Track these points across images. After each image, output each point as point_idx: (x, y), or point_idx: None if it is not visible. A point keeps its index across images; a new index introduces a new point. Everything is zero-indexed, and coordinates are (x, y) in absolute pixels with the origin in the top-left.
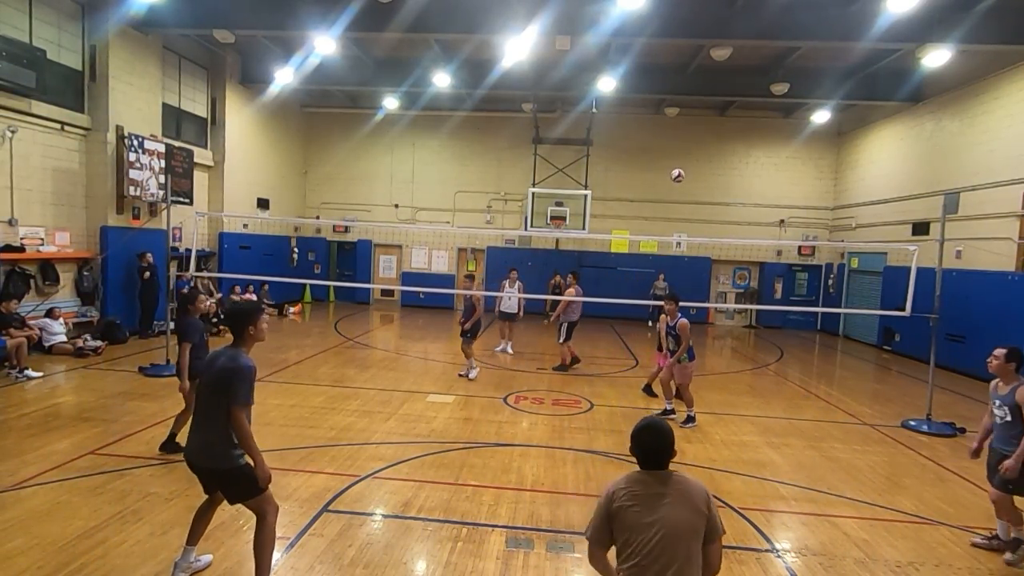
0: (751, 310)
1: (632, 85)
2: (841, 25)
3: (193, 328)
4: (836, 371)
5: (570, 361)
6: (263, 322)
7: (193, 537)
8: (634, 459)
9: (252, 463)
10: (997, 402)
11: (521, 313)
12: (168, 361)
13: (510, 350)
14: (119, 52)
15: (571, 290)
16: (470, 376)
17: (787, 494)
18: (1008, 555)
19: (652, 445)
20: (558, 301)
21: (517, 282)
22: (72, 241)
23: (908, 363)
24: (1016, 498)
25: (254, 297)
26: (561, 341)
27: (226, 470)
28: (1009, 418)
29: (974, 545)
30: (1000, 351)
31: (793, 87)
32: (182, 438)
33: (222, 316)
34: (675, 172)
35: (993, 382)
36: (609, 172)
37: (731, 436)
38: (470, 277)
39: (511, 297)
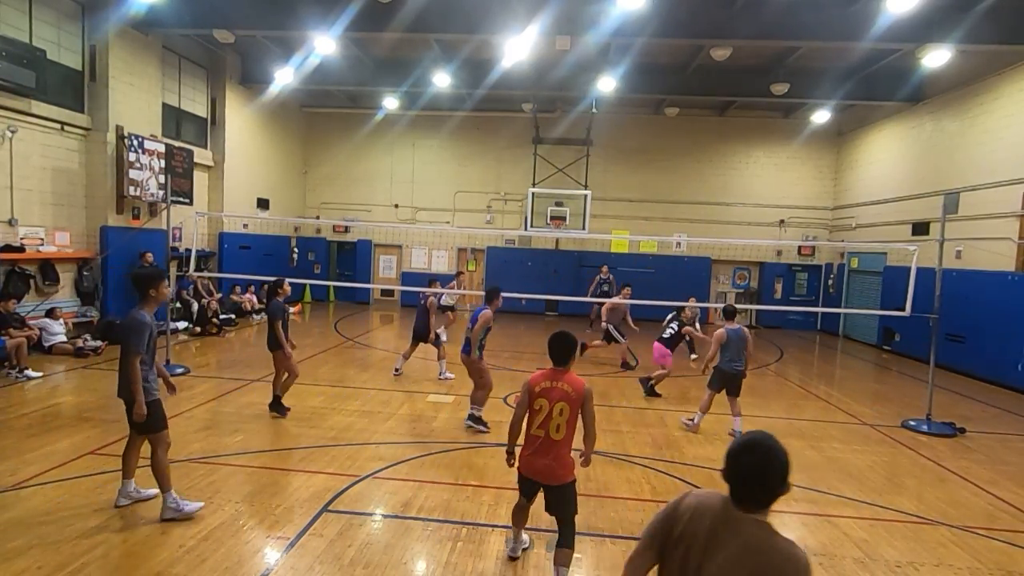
0: (751, 310)
1: (632, 85)
2: (841, 25)
3: (278, 308)
4: (836, 371)
5: (631, 362)
6: (164, 286)
7: (127, 469)
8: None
9: (157, 402)
10: None
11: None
12: (168, 361)
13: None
14: (119, 52)
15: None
16: (444, 377)
17: (787, 494)
18: None
19: (747, 473)
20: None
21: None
22: (72, 241)
23: (908, 363)
24: None
25: (254, 297)
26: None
27: (129, 404)
28: None
29: None
30: None
31: (793, 87)
32: (288, 400)
33: (220, 317)
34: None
35: None
36: (609, 172)
37: (731, 436)
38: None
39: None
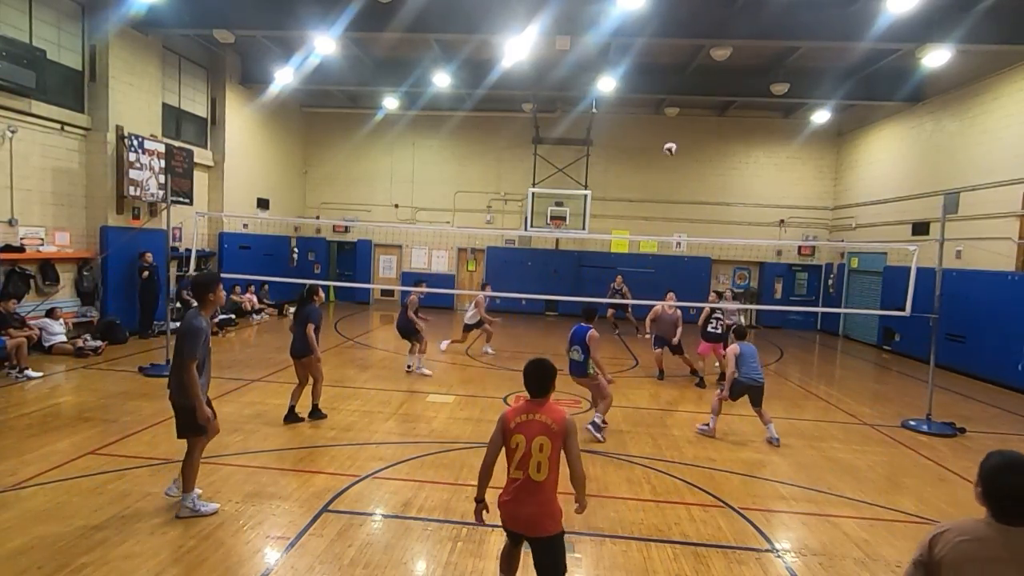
0: (751, 310)
1: (632, 85)
2: (841, 25)
3: (316, 313)
4: (836, 371)
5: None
6: (221, 290)
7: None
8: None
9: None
10: None
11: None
12: (168, 361)
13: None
14: (119, 52)
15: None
16: (420, 371)
17: (787, 494)
18: None
19: (1020, 493)
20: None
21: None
22: (72, 241)
23: (908, 363)
24: None
25: (255, 298)
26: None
27: (176, 407)
28: None
29: None
30: None
31: (793, 87)
32: (302, 409)
33: (220, 317)
34: (668, 146)
35: None
36: (609, 172)
37: (731, 436)
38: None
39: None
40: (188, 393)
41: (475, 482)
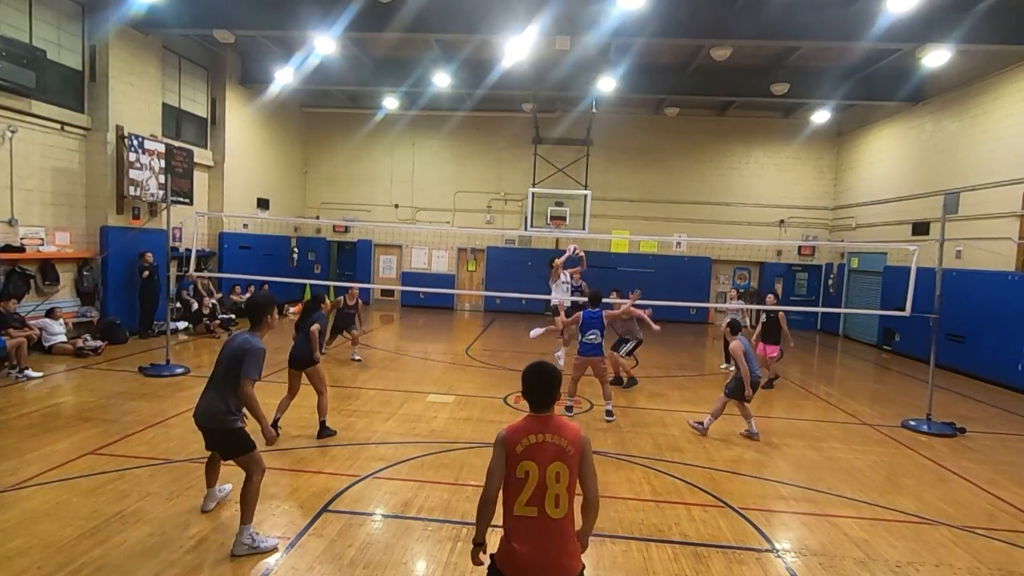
0: (751, 310)
1: (632, 85)
2: (841, 25)
3: (323, 320)
4: (836, 371)
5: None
6: (276, 312)
7: (210, 480)
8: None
9: (244, 428)
10: None
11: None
12: (168, 361)
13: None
14: (119, 52)
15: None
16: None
17: (787, 494)
18: None
19: None
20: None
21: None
22: (72, 241)
23: (908, 363)
24: None
25: None
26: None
27: (223, 431)
28: None
29: None
30: None
31: (793, 87)
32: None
33: (220, 317)
34: (571, 248)
35: None
36: (609, 172)
37: (731, 436)
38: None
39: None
40: (253, 414)
41: (476, 482)
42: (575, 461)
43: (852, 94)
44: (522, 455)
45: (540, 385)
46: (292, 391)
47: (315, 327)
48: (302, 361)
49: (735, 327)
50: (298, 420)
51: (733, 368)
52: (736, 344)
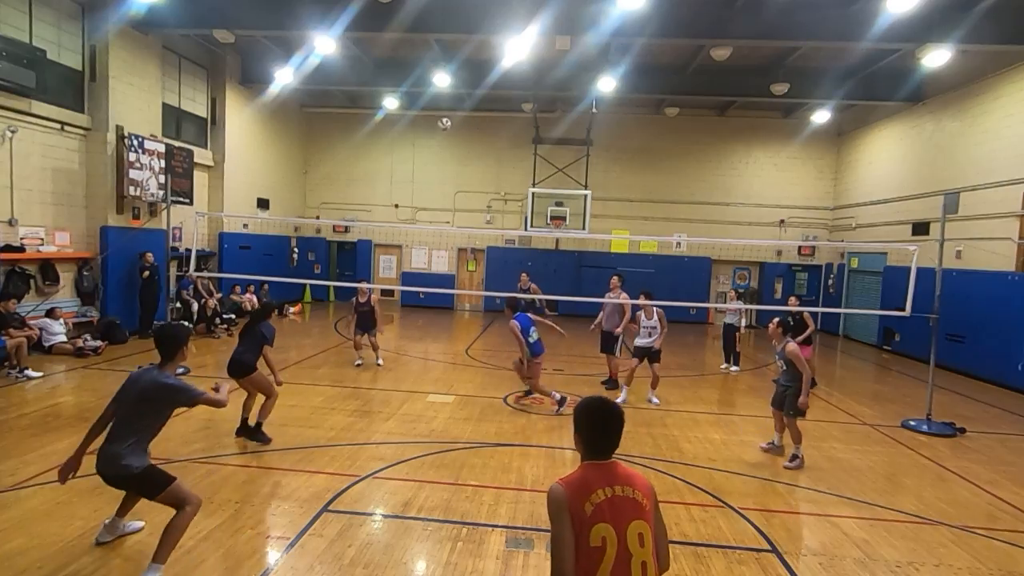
0: (751, 310)
1: (632, 85)
2: (841, 25)
3: (271, 332)
4: (836, 371)
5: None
6: (187, 345)
7: (122, 509)
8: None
9: (152, 466)
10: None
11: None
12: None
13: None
14: (119, 52)
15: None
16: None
17: (787, 494)
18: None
19: None
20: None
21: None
22: (72, 241)
23: (908, 363)
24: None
25: (254, 297)
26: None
27: (133, 476)
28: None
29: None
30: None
31: (793, 87)
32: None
33: (223, 317)
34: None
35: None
36: (609, 172)
37: (731, 436)
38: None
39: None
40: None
41: (475, 482)
42: (651, 517)
43: (852, 94)
44: (594, 517)
45: (603, 426)
46: (249, 393)
47: (268, 349)
48: (240, 370)
49: (787, 327)
50: (298, 419)
51: (784, 375)
52: (794, 347)
